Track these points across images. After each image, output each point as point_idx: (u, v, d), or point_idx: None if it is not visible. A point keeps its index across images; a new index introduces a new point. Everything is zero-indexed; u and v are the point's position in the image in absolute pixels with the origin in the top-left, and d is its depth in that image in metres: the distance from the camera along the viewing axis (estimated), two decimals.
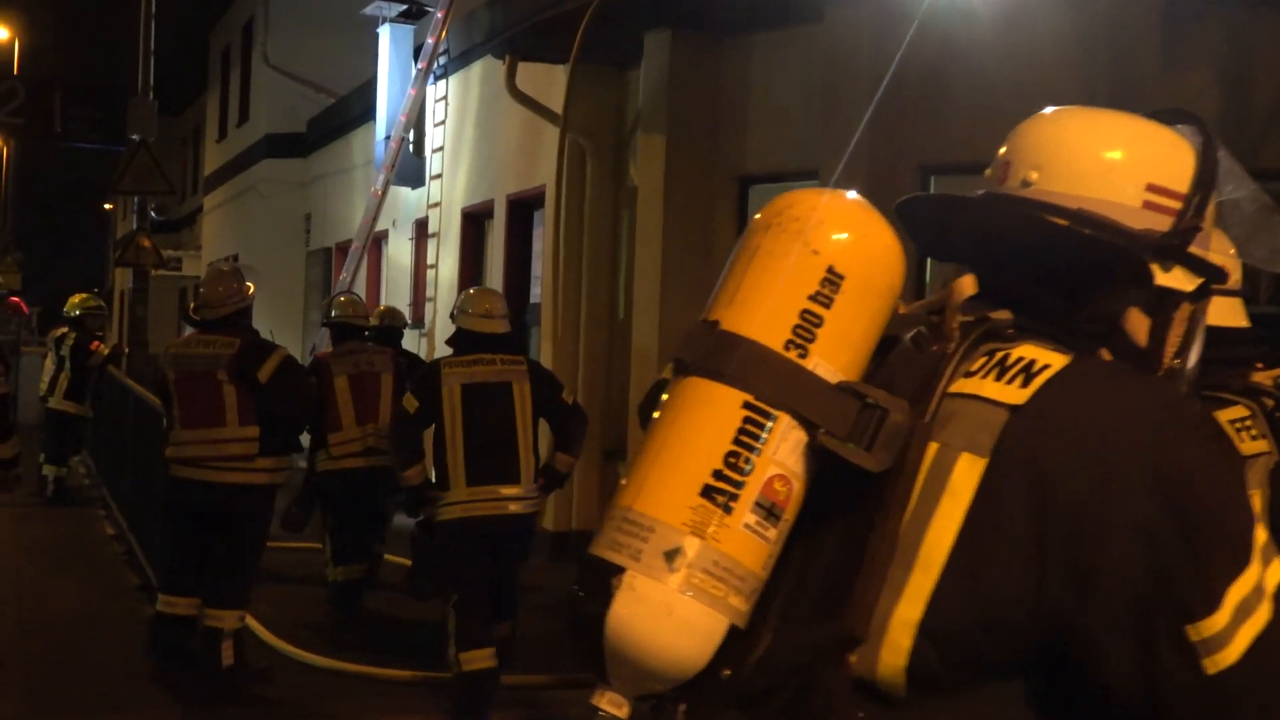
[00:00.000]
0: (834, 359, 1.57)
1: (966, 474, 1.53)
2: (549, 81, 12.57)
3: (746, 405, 1.54)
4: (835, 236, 1.60)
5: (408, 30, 16.44)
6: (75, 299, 14.62)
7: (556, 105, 12.26)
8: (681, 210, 10.83)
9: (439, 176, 15.58)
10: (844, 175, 9.83)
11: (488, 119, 14.40)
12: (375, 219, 15.56)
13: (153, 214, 18.11)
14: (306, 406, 7.91)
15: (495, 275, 14.15)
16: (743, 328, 1.56)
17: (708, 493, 1.51)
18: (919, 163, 9.69)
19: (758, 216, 1.66)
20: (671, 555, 1.51)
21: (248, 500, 7.41)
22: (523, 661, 7.92)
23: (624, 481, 1.61)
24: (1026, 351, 1.60)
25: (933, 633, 1.51)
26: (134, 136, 15.85)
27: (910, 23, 9.42)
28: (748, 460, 1.52)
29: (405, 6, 16.56)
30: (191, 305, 7.76)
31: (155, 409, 9.76)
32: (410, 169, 15.83)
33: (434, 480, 7.01)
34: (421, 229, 16.28)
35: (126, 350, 15.73)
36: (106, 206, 48.75)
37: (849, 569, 1.53)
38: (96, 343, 14.35)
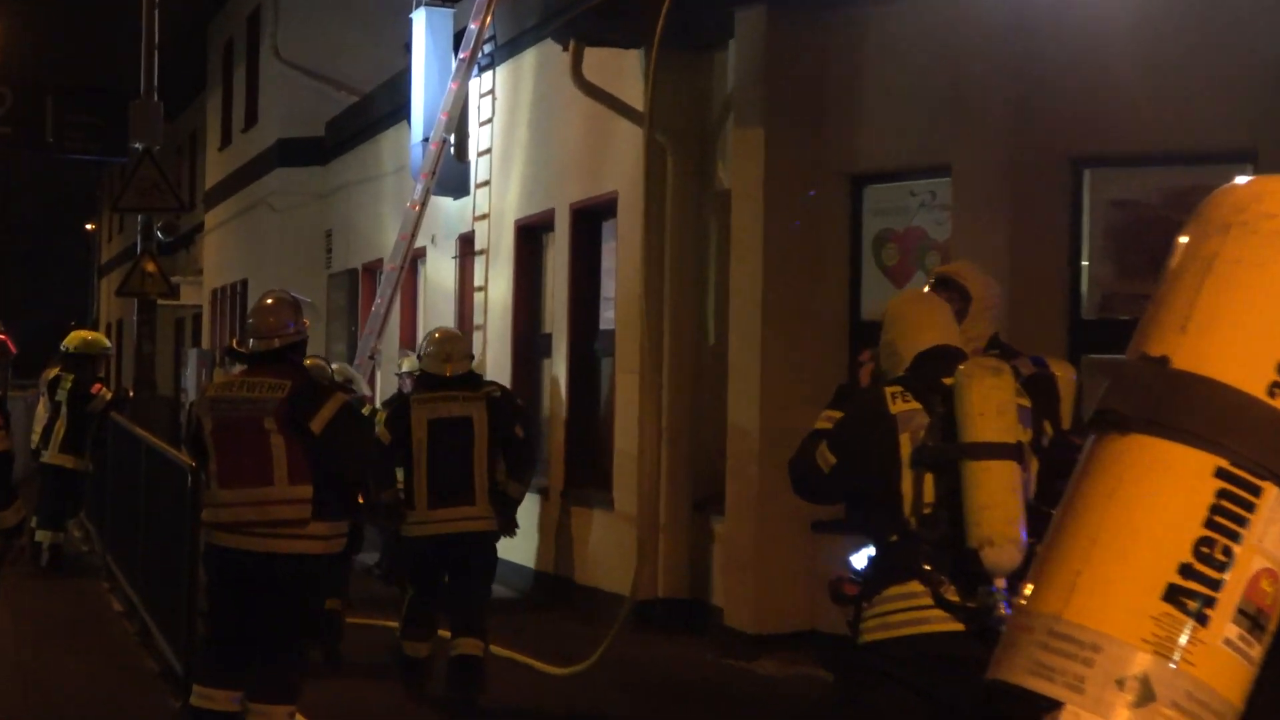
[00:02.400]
0: None
1: None
2: (617, 70, 12.43)
3: (1221, 473, 1.29)
4: None
5: (446, 15, 16.35)
6: (75, 335, 14.55)
7: (629, 97, 12.09)
8: (784, 216, 10.65)
9: (486, 184, 15.49)
10: (980, 170, 9.60)
11: (545, 115, 14.29)
12: (414, 235, 15.44)
13: (159, 234, 18.08)
14: (365, 462, 7.75)
15: (557, 297, 14.01)
16: (1208, 366, 1.31)
17: (1173, 596, 1.26)
18: (1071, 154, 9.45)
19: (1203, 214, 1.40)
20: (1128, 684, 1.26)
21: (299, 572, 7.16)
22: None
23: (1036, 580, 1.35)
24: None
25: None
26: (136, 145, 15.81)
27: None
28: (1226, 550, 1.28)
29: None
30: (234, 341, 7.59)
31: (173, 462, 9.68)
32: (452, 176, 15.71)
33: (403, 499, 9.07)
34: (467, 245, 16.17)
35: (132, 393, 15.66)
36: (89, 226, 49.10)
37: None
38: (98, 385, 14.25)
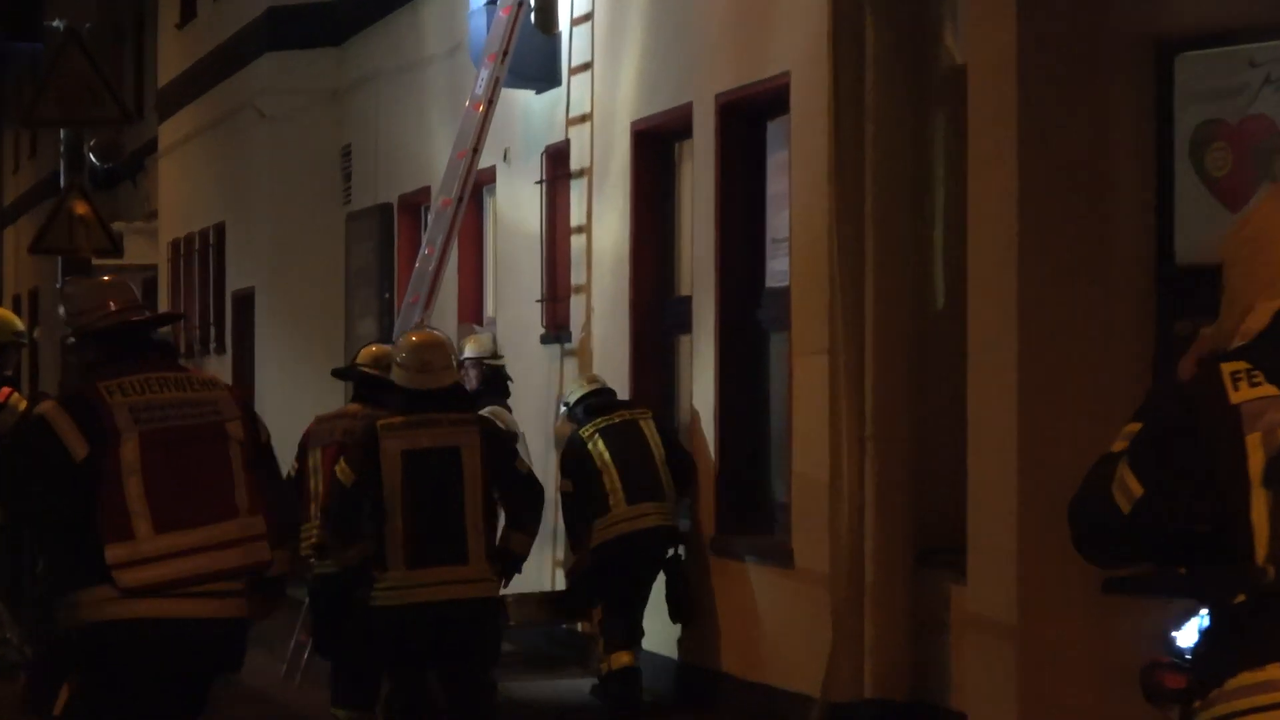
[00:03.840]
0: None
1: None
2: None
3: None
4: None
5: None
6: None
7: None
8: (1049, 104, 10.55)
9: (586, 68, 15.57)
10: None
11: None
12: (477, 150, 15.50)
13: (92, 159, 18.23)
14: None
15: (699, 241, 14.04)
16: None
17: None
18: None
19: None
20: None
21: (242, 644, 7.79)
22: None
23: None
24: None
25: None
26: (55, 24, 16.00)
27: None
28: None
29: None
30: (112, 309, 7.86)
31: None
32: (534, 58, 15.83)
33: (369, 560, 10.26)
34: (558, 164, 16.25)
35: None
36: None
37: None
38: (7, 390, 14.45)
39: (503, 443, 10.78)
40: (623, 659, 13.26)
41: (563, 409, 14.20)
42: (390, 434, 10.25)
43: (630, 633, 13.40)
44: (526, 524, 10.65)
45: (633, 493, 13.16)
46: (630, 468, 13.20)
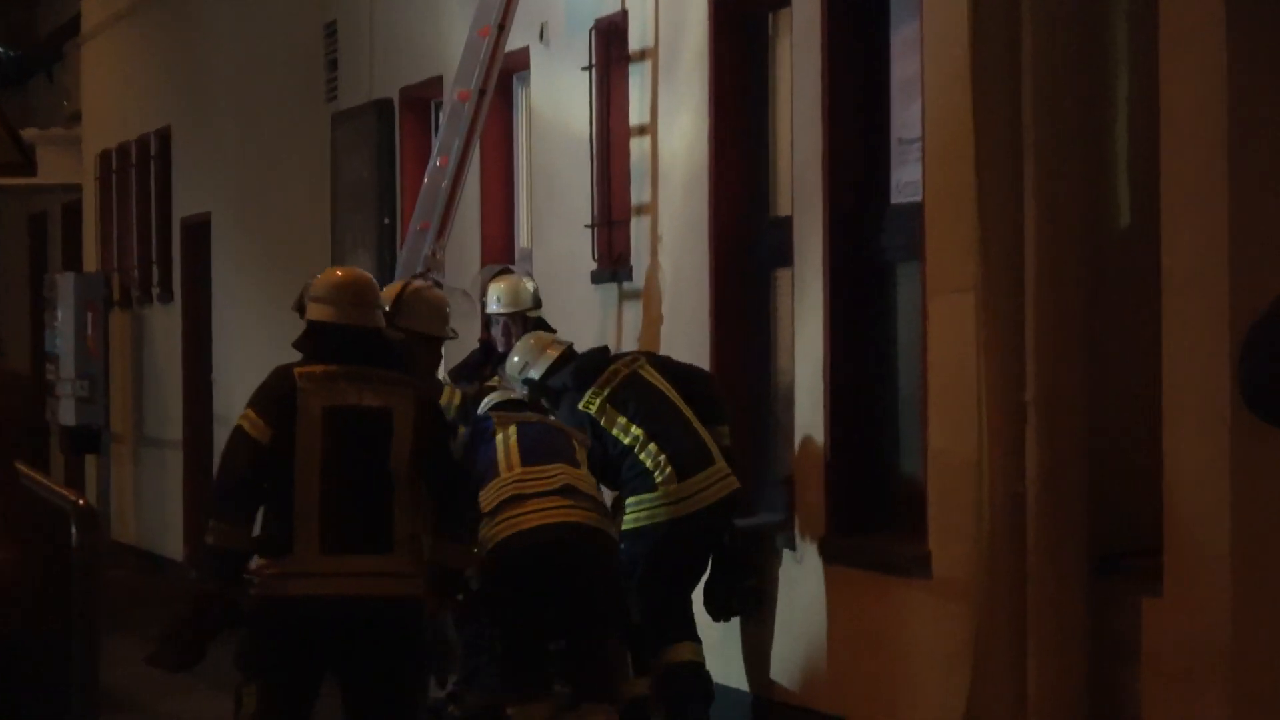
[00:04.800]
0: None
1: None
2: None
3: None
4: None
5: None
6: None
7: None
8: None
9: None
10: None
11: None
12: (504, 27, 15.51)
13: None
14: None
15: (800, 146, 14.01)
16: None
17: None
18: None
19: None
20: None
21: None
22: None
23: None
24: None
25: None
26: None
27: None
28: None
29: None
30: None
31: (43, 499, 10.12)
32: None
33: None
34: (611, 43, 16.33)
35: None
36: None
37: None
38: None
39: (438, 415, 11.32)
40: (686, 652, 13.53)
41: (521, 389, 14.12)
42: (311, 385, 10.73)
43: (689, 624, 13.68)
44: (460, 532, 11.23)
45: (680, 468, 13.44)
46: (666, 434, 13.51)
